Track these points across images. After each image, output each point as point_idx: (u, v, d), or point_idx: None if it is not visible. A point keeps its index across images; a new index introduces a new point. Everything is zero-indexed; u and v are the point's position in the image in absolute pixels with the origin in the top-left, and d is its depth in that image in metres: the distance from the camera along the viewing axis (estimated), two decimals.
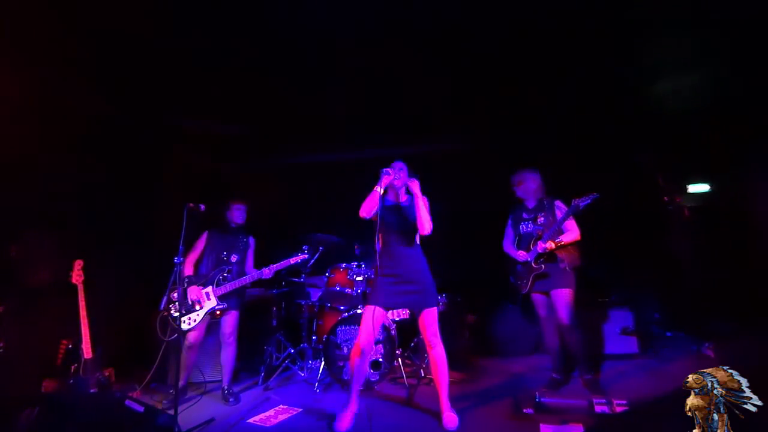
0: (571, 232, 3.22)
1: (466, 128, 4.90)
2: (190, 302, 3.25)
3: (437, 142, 5.15)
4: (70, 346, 3.18)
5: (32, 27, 2.83)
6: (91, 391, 2.98)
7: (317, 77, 3.82)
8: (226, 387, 3.40)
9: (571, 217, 3.18)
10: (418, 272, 2.82)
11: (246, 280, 3.36)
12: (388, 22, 3.14)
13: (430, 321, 2.79)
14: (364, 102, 4.18)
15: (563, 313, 3.17)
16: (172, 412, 2.56)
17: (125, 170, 4.14)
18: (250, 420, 2.99)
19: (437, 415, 2.76)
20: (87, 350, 3.17)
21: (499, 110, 4.40)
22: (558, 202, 3.34)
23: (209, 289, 3.30)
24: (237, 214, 3.56)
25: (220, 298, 3.29)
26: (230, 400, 3.32)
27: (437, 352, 2.79)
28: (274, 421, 2.95)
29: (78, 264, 3.27)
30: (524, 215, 3.46)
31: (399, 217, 2.85)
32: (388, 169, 2.75)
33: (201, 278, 3.36)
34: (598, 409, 2.74)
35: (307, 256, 3.44)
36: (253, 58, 3.54)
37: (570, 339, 3.21)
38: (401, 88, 3.98)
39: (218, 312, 3.31)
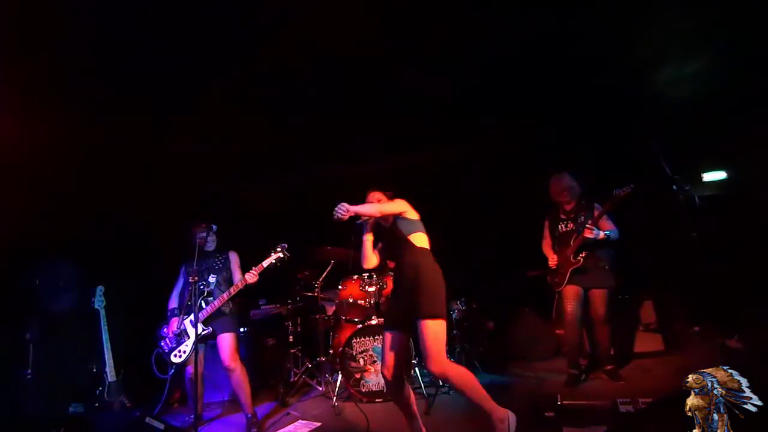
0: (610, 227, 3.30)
1: (475, 134, 4.87)
2: (176, 334, 3.16)
3: (445, 149, 5.16)
4: (95, 369, 3.29)
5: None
6: (114, 411, 3.05)
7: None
8: (247, 416, 3.13)
9: (606, 214, 3.29)
10: (414, 278, 2.40)
11: (225, 296, 3.11)
12: None
13: (420, 337, 2.31)
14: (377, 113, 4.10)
15: (601, 310, 3.32)
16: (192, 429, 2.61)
17: (144, 195, 4.26)
18: None
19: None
20: (111, 373, 3.28)
21: (501, 112, 4.36)
22: (596, 204, 3.41)
23: (191, 317, 3.09)
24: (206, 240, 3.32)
25: (204, 323, 3.11)
26: (252, 430, 3.07)
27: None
28: None
29: (99, 290, 3.40)
30: (561, 215, 3.51)
31: (390, 238, 2.62)
32: (362, 221, 2.59)
33: (182, 309, 3.23)
34: (622, 408, 2.66)
35: (280, 254, 3.11)
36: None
37: (601, 333, 3.35)
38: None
39: (209, 335, 3.13)
